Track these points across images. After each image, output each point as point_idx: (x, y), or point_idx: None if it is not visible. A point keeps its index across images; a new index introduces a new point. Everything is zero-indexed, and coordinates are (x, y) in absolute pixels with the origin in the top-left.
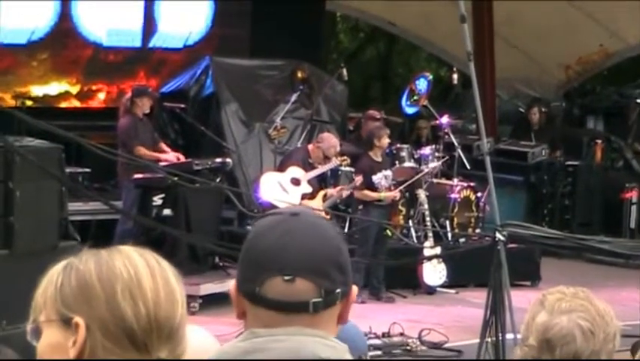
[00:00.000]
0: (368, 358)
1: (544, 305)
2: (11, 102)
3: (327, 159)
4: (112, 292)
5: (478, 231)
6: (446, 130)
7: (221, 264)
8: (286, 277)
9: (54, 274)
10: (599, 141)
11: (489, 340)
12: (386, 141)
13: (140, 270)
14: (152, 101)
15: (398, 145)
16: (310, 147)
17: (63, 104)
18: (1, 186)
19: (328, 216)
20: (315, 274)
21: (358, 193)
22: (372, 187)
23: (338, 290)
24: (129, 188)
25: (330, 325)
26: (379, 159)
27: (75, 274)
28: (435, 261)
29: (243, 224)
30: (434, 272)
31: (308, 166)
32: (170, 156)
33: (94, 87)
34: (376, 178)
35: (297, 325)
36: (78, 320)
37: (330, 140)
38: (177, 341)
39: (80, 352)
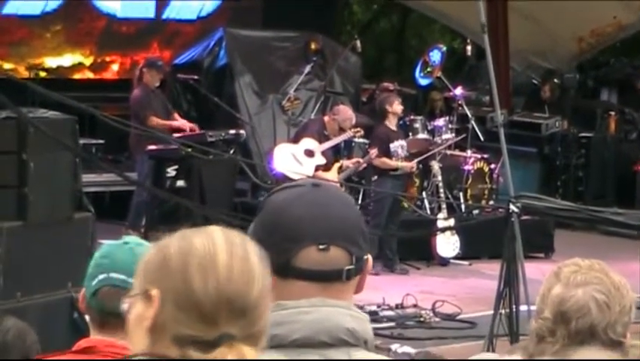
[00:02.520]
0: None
1: (559, 278)
2: (25, 73)
3: (342, 131)
4: (186, 265)
5: (491, 202)
6: (460, 102)
7: None
8: (321, 246)
9: (149, 250)
10: (613, 113)
11: (502, 312)
12: (398, 106)
13: (217, 246)
14: (161, 74)
15: (412, 116)
16: (326, 118)
17: (76, 76)
18: (15, 158)
19: (342, 188)
20: (347, 241)
21: (377, 161)
22: (389, 156)
23: (365, 257)
24: (143, 159)
25: (351, 294)
26: (395, 128)
27: (161, 249)
28: (448, 233)
29: (256, 195)
30: (448, 244)
31: (324, 138)
32: (184, 122)
33: (107, 59)
34: (393, 146)
35: (329, 294)
36: (154, 291)
37: (347, 112)
38: (253, 319)
39: (153, 323)
